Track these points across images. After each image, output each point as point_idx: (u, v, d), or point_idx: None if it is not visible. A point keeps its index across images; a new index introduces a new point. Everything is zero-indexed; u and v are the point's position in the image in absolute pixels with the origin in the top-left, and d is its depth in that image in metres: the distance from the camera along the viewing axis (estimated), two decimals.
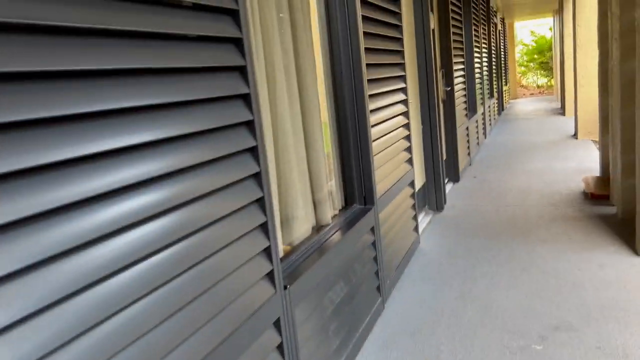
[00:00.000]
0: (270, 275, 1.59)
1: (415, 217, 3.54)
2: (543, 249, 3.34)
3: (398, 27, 3.29)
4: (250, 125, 1.52)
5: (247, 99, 1.51)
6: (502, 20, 13.71)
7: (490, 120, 9.20)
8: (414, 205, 3.52)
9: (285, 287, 1.68)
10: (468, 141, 6.26)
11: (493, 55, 10.32)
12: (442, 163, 4.62)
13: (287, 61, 2.10)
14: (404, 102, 3.37)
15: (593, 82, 7.23)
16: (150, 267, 1.12)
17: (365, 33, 2.62)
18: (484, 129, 8.12)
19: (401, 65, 3.34)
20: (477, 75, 7.30)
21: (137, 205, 1.09)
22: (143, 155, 1.12)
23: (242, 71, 1.50)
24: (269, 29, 1.97)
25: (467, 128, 6.20)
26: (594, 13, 6.93)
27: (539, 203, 4.41)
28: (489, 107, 9.06)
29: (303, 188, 2.20)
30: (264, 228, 1.57)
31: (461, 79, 6.02)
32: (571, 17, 8.44)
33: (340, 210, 2.57)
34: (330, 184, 2.46)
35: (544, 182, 5.13)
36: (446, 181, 5.37)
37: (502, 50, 13.27)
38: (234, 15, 1.46)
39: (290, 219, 2.12)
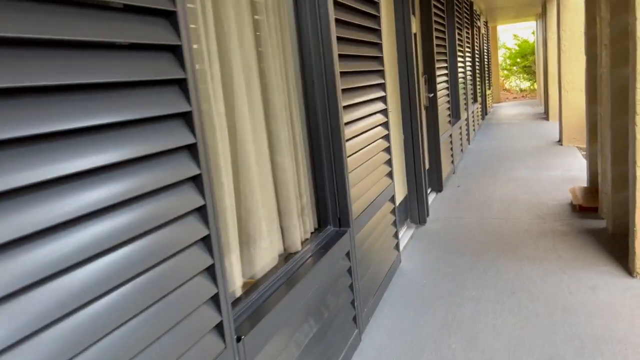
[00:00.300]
0: (219, 328, 1.34)
1: (396, 235, 3.31)
2: (531, 269, 3.13)
3: (376, 32, 3.06)
4: (192, 149, 1.27)
5: (188, 118, 1.25)
6: (486, 23, 13.62)
7: (474, 125, 9.04)
8: (394, 222, 3.29)
9: (238, 339, 1.42)
10: (451, 148, 6.06)
11: (477, 59, 10.19)
12: (425, 174, 4.40)
13: (249, 70, 1.85)
14: (384, 111, 3.14)
15: (578, 88, 7.11)
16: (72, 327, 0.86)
17: (339, 38, 2.39)
18: (468, 134, 7.95)
19: (380, 73, 3.11)
20: (460, 80, 7.13)
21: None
22: (60, 196, 0.87)
23: (182, 85, 1.24)
24: (226, 33, 1.72)
25: (451, 135, 6.01)
26: (580, 17, 6.81)
27: (526, 216, 4.21)
28: (473, 112, 8.90)
29: (268, 213, 1.95)
30: (211, 271, 1.32)
31: (444, 85, 5.83)
32: (555, 22, 8.32)
33: (312, 234, 2.32)
34: (302, 205, 2.22)
35: (530, 192, 4.95)
36: (429, 191, 5.16)
37: (485, 53, 13.17)
38: (171, 17, 1.21)
39: (252, 249, 1.87)
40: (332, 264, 2.20)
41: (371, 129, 2.88)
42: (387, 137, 3.19)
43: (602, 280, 2.88)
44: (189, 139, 1.24)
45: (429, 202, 4.84)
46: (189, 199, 1.25)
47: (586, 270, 3.03)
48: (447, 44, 5.98)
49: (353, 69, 2.58)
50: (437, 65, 5.27)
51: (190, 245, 1.25)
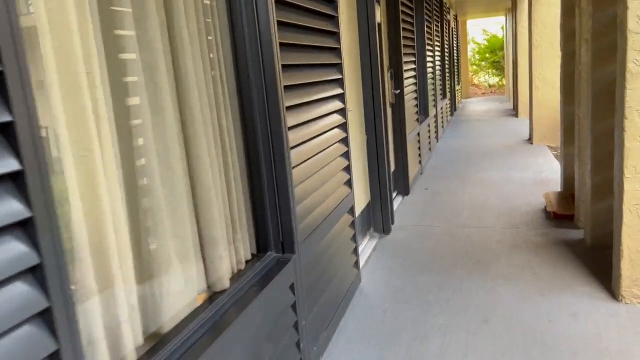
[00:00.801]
0: None
1: (355, 251, 2.92)
2: (505, 289, 2.79)
3: (333, 19, 2.64)
4: (18, 179, 0.83)
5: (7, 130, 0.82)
6: (455, 17, 13.38)
7: (442, 122, 8.75)
8: (354, 236, 2.90)
9: None
10: (419, 148, 5.72)
11: (446, 54, 9.90)
12: (390, 178, 4.03)
13: (152, 58, 1.41)
14: (341, 111, 2.74)
15: (550, 84, 6.87)
16: None
17: (282, 23, 1.96)
18: (436, 132, 7.64)
19: (337, 67, 2.70)
20: (429, 75, 6.79)
21: None
22: None
23: None
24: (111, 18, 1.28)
25: (419, 133, 5.66)
26: (552, 11, 6.55)
27: (498, 224, 3.89)
28: (442, 108, 8.61)
29: (182, 244, 1.53)
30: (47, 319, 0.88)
31: (412, 80, 5.46)
32: (526, 16, 8.08)
33: (249, 262, 1.90)
34: (234, 230, 1.79)
35: (502, 195, 4.63)
36: (395, 195, 4.80)
37: (455, 48, 12.93)
38: None
39: (158, 294, 1.44)
40: (272, 301, 1.79)
41: (325, 132, 2.47)
42: (345, 141, 2.79)
43: (584, 304, 2.56)
44: (10, 164, 0.80)
45: (395, 208, 4.48)
46: (14, 250, 0.81)
47: (566, 292, 2.70)
48: (415, 37, 5.61)
49: (301, 62, 2.16)
50: (405, 59, 4.90)
51: (21, 324, 0.82)
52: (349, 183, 2.85)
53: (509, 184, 5.04)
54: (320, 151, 2.38)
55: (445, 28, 9.89)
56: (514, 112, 10.84)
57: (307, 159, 2.19)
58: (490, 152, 6.84)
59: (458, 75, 14.04)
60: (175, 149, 1.49)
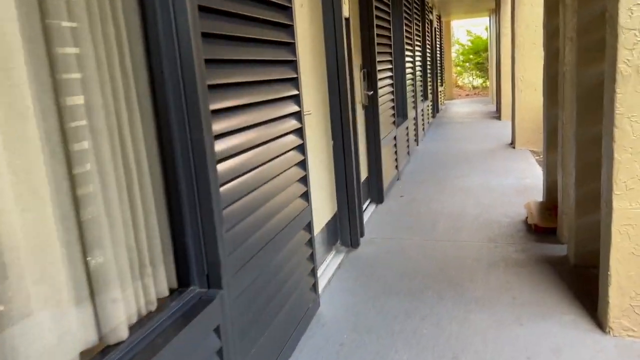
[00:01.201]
0: None
1: (313, 272, 2.59)
2: (480, 317, 2.48)
3: (286, 10, 2.30)
4: None
5: None
6: (439, 17, 13.13)
7: (423, 124, 8.46)
8: (311, 256, 2.57)
9: None
10: (396, 152, 5.41)
11: (428, 54, 9.61)
12: (359, 186, 3.70)
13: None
14: (296, 115, 2.40)
15: (532, 86, 6.61)
16: None
17: (205, 9, 1.62)
18: (416, 135, 7.34)
19: (291, 64, 2.37)
20: (409, 77, 6.49)
21: None
22: None
23: None
24: None
25: (395, 137, 5.35)
26: (536, 11, 6.29)
27: (476, 237, 3.58)
28: (423, 110, 8.32)
29: (53, 292, 1.18)
30: None
31: (389, 81, 5.15)
32: (509, 16, 7.82)
33: (167, 298, 1.56)
34: (140, 264, 1.45)
35: (481, 205, 4.34)
36: (367, 203, 4.48)
37: (438, 49, 12.66)
38: None
39: (22, 356, 1.09)
40: (187, 349, 1.45)
41: (274, 139, 2.13)
42: (301, 148, 2.45)
43: (568, 337, 2.26)
44: None
45: (367, 217, 4.17)
46: None
47: (547, 321, 2.39)
48: (392, 35, 5.29)
49: (237, 57, 1.82)
50: (379, 58, 4.58)
51: None
52: (305, 196, 2.51)
53: (489, 191, 4.75)
54: (267, 161, 2.05)
55: (428, 28, 9.60)
56: (497, 114, 10.61)
57: (246, 172, 1.85)
58: (471, 156, 6.56)
59: (441, 76, 13.79)
60: (39, 166, 1.14)
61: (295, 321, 2.34)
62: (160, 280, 1.54)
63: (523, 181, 5.06)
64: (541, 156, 5.29)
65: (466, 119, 10.81)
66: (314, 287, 2.61)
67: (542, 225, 3.56)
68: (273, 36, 2.16)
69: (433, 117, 10.89)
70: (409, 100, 6.50)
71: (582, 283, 2.74)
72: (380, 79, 4.67)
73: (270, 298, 2.04)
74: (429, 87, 9.75)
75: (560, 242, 3.37)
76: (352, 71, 3.54)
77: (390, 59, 5.21)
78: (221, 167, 1.65)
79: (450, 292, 2.77)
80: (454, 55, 19.50)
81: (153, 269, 1.50)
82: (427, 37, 9.54)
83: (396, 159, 5.43)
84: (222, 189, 1.64)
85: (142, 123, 1.48)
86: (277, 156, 2.17)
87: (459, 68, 20.52)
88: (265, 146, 2.04)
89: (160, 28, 1.48)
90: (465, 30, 20.44)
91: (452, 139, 8.19)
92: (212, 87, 1.63)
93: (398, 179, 5.49)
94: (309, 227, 2.54)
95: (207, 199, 1.57)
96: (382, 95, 4.74)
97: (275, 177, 2.13)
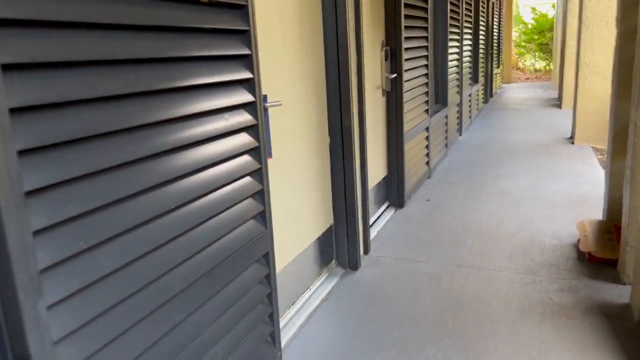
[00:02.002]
0: None
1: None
2: None
3: None
4: None
5: None
6: None
7: (470, 111, 7.53)
8: (269, 297, 1.92)
9: None
10: (427, 146, 4.62)
11: (482, 33, 8.59)
12: (366, 193, 2.99)
13: None
14: (249, 107, 1.74)
15: (601, 73, 5.60)
16: None
17: None
18: (459, 124, 6.48)
19: (241, 35, 1.70)
20: (453, 57, 5.63)
21: None
22: None
23: None
24: None
25: (428, 128, 4.56)
26: None
27: (508, 265, 2.82)
28: (470, 95, 7.39)
29: None
30: None
31: (422, 62, 4.35)
32: None
33: None
34: None
35: (522, 218, 3.53)
36: (384, 208, 3.78)
37: (496, 26, 11.48)
38: None
39: None
40: None
41: (196, 143, 1.48)
42: (256, 152, 1.79)
43: None
44: None
45: (381, 225, 3.49)
46: None
47: None
48: (428, 8, 4.46)
49: (110, 21, 1.17)
50: (408, 34, 3.81)
51: None
52: (262, 218, 1.86)
53: (534, 200, 3.92)
54: (174, 178, 1.40)
55: (483, 3, 8.56)
56: (558, 102, 9.47)
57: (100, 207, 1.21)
58: (520, 151, 5.67)
59: (499, 57, 12.58)
60: None
61: None
62: None
63: (579, 188, 4.18)
64: (605, 157, 4.37)
65: (522, 106, 9.73)
66: (273, 338, 1.97)
67: (599, 256, 2.76)
68: None
69: (485, 102, 9.87)
70: (452, 84, 5.65)
71: None
72: (409, 59, 3.89)
73: None
74: (481, 70, 8.75)
75: (622, 281, 2.57)
76: (360, 48, 2.81)
77: (425, 34, 4.39)
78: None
79: (460, 352, 2.06)
80: (515, 35, 17.99)
81: None
82: (482, 13, 8.51)
83: (427, 154, 4.65)
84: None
85: None
86: (205, 168, 1.52)
87: (520, 49, 18.96)
88: (173, 155, 1.39)
89: None
90: (530, 8, 18.80)
91: (501, 129, 7.24)
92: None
93: (429, 177, 4.72)
94: (266, 258, 1.89)
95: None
96: (411, 80, 3.97)
97: (199, 197, 1.49)
